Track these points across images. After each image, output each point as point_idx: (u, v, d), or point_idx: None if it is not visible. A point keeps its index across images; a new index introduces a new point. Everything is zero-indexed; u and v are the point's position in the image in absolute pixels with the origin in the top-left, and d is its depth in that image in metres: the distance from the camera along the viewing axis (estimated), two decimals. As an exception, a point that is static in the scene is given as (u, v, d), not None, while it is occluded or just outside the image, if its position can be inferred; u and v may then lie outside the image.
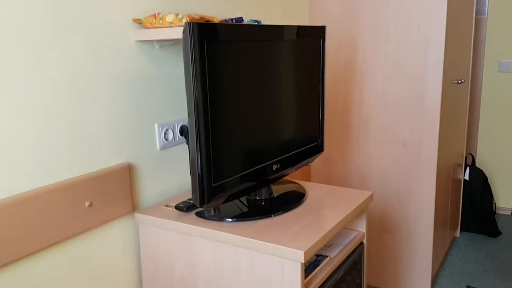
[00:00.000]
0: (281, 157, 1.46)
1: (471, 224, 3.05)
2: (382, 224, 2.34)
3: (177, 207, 1.39)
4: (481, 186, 3.00)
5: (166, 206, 1.44)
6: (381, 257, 2.37)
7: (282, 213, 1.37)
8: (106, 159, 1.32)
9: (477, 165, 3.34)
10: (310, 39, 1.54)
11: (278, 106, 1.42)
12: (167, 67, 1.49)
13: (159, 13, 1.34)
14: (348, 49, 2.27)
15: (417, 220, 2.24)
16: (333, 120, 2.37)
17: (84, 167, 1.25)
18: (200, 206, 1.17)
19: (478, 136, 3.33)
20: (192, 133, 1.13)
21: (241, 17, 1.47)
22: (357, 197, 1.50)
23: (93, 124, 1.27)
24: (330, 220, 1.31)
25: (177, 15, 1.29)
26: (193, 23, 1.07)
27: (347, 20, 2.24)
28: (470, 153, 3.16)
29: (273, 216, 1.34)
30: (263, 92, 1.34)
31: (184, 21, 1.27)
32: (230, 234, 1.23)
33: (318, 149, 1.66)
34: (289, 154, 1.50)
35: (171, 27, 1.30)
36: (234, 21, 1.43)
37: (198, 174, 1.16)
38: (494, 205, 3.16)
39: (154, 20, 1.32)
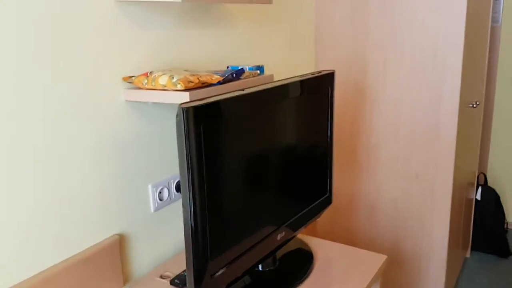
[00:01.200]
0: (288, 222, 1.33)
1: (481, 243, 2.94)
2: (392, 258, 2.22)
3: (172, 283, 1.26)
4: (493, 205, 2.87)
5: (161, 277, 1.32)
6: (390, 291, 2.26)
7: (288, 289, 1.24)
8: (95, 235, 1.19)
9: (489, 184, 3.21)
10: (317, 90, 1.39)
11: (283, 168, 1.28)
12: (159, 122, 1.35)
13: (151, 73, 1.19)
14: (357, 72, 2.12)
15: (429, 254, 2.12)
16: (340, 148, 2.24)
17: (69, 249, 1.13)
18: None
19: (490, 154, 3.19)
20: (187, 220, 1.00)
21: (242, 69, 1.32)
22: (372, 262, 1.37)
23: (79, 197, 1.14)
24: (341, 303, 1.19)
25: (171, 77, 1.14)
26: (187, 108, 0.92)
27: (356, 41, 2.08)
28: (482, 173, 3.02)
29: (278, 295, 1.22)
30: (265, 157, 1.21)
31: (178, 86, 1.12)
32: (231, 326, 1.11)
33: (327, 202, 1.53)
34: (296, 216, 1.37)
35: (165, 90, 1.16)
36: (234, 75, 1.28)
37: (193, 265, 1.03)
38: (506, 224, 3.04)
39: (146, 80, 1.18)
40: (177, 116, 0.94)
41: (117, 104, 1.21)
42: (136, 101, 1.25)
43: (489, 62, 2.98)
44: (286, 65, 1.96)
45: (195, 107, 0.94)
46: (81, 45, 1.09)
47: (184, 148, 0.94)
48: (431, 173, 2.03)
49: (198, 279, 1.03)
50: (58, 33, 1.04)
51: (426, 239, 2.11)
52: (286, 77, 1.92)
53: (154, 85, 1.17)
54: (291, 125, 1.30)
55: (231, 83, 1.26)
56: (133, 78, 1.20)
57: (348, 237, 2.32)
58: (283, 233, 1.32)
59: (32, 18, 0.99)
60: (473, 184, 2.79)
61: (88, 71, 1.12)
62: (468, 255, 2.95)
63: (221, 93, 1.19)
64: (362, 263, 1.37)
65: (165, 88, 1.15)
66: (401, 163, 2.09)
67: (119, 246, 1.24)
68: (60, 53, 1.05)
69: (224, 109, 1.03)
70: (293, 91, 1.27)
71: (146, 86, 1.18)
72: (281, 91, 1.23)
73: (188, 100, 1.12)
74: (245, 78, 1.34)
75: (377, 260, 1.39)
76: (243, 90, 1.12)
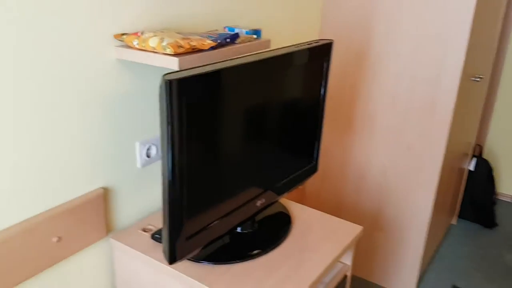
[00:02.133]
0: (270, 188, 1.36)
1: (469, 212, 2.99)
2: (374, 222, 2.28)
3: (153, 237, 1.32)
4: (485, 177, 2.90)
5: (144, 230, 1.37)
6: (371, 253, 2.34)
7: (265, 253, 1.30)
8: (80, 187, 1.23)
9: (484, 156, 3.22)
10: (313, 61, 1.38)
11: (270, 135, 1.30)
12: (151, 82, 1.35)
13: (142, 33, 1.18)
14: (360, 39, 2.08)
15: (411, 219, 2.17)
16: (336, 113, 2.24)
17: (54, 199, 1.17)
18: (170, 264, 1.10)
19: (490, 127, 3.18)
20: (165, 176, 1.03)
21: (237, 33, 1.31)
22: (348, 232, 1.42)
23: (65, 150, 1.17)
24: (315, 267, 1.24)
25: (161, 40, 1.14)
26: (171, 80, 0.93)
27: (362, 9, 2.03)
28: (478, 144, 3.03)
29: (254, 259, 1.28)
30: (251, 122, 1.22)
31: (168, 50, 1.12)
32: (203, 285, 1.17)
33: (312, 170, 1.56)
34: (280, 183, 1.40)
35: (154, 52, 1.16)
36: (228, 39, 1.27)
37: (169, 226, 1.07)
38: (495, 195, 3.08)
39: (136, 41, 1.17)
40: (160, 87, 0.95)
41: (107, 60, 1.21)
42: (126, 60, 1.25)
43: (501, 35, 2.91)
44: (287, 29, 1.93)
45: (179, 80, 0.95)
46: None
47: (166, 120, 0.96)
48: (422, 145, 2.04)
49: (173, 236, 1.08)
50: (48, -11, 1.03)
51: (409, 206, 2.15)
52: (284, 45, 1.90)
53: (144, 46, 1.16)
54: (282, 92, 1.30)
55: (224, 48, 1.25)
56: (124, 36, 1.20)
57: (335, 202, 2.38)
58: (263, 200, 1.36)
59: (21, -28, 0.97)
60: (467, 154, 2.81)
61: (79, 24, 1.12)
62: (454, 222, 3.01)
63: (212, 61, 1.18)
64: (338, 231, 1.42)
65: (155, 50, 1.15)
66: (394, 134, 2.10)
67: (103, 199, 1.28)
68: (50, 4, 1.04)
69: (210, 82, 1.04)
70: (286, 61, 1.27)
71: (136, 47, 1.18)
72: (273, 62, 1.22)
73: (177, 66, 1.12)
74: (240, 43, 1.33)
75: (353, 230, 1.44)
76: (232, 59, 1.12)
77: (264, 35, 1.79)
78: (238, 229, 1.38)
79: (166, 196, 1.03)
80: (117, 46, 1.21)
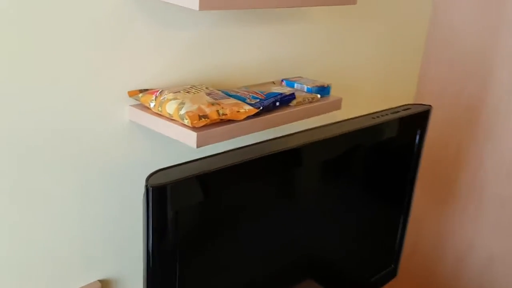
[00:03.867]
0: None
1: None
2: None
3: None
4: None
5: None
6: None
7: None
8: (73, 279, 0.96)
9: None
10: (397, 137, 1.00)
11: (329, 237, 0.94)
12: (171, 154, 1.05)
13: (161, 92, 0.89)
14: (471, 89, 1.63)
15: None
16: (435, 175, 1.79)
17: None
18: None
19: None
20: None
21: (293, 94, 0.97)
22: None
23: (58, 238, 0.91)
24: None
25: (180, 105, 0.84)
26: (153, 188, 0.62)
27: (479, 46, 1.58)
28: None
29: None
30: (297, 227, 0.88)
31: (186, 121, 0.82)
32: None
33: (390, 275, 1.16)
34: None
35: (171, 120, 0.86)
36: (278, 102, 0.94)
37: None
38: None
39: (153, 102, 0.89)
40: (143, 194, 0.64)
41: (118, 124, 0.93)
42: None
43: None
44: (370, 84, 1.53)
45: (167, 187, 0.63)
46: (82, 42, 0.82)
47: (148, 242, 0.65)
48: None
49: None
50: (52, 29, 0.78)
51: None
52: (361, 107, 1.51)
53: (161, 111, 0.87)
54: (345, 182, 0.94)
55: (270, 115, 0.93)
56: (140, 95, 0.91)
57: (425, 285, 1.92)
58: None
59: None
60: None
61: (86, 76, 0.85)
62: None
63: (249, 132, 0.86)
64: None
65: (172, 118, 0.86)
66: (510, 211, 1.62)
67: (104, 293, 1.01)
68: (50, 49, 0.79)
69: (216, 187, 0.71)
70: (359, 138, 0.91)
71: (153, 109, 0.89)
72: (334, 143, 0.87)
73: (194, 143, 0.81)
74: (297, 104, 0.99)
75: None
76: (270, 143, 0.79)
77: (336, 90, 1.38)
78: None
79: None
80: (131, 106, 0.93)
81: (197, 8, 0.75)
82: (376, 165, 0.99)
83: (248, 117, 0.88)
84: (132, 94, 0.92)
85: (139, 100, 0.92)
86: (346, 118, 1.06)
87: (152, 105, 0.89)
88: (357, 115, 1.04)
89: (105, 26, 0.85)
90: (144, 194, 0.62)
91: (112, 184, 0.96)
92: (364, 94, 1.51)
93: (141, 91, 0.93)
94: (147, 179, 0.63)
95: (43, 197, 0.87)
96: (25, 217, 0.86)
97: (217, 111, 0.85)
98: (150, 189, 0.61)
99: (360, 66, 1.44)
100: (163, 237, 0.65)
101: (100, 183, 0.94)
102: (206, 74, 1.04)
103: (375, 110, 1.44)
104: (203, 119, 0.82)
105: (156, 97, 0.89)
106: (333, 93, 1.32)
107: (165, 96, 0.88)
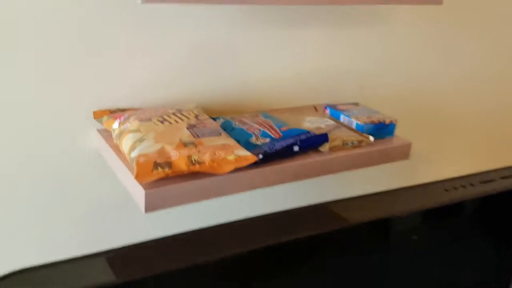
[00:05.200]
0: None
1: None
2: None
3: None
4: None
5: None
6: None
7: None
8: None
9: None
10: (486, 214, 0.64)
11: None
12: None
13: (127, 118, 0.63)
14: None
15: None
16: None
17: None
18: None
19: None
20: None
21: (324, 135, 0.66)
22: None
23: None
24: None
25: (136, 143, 0.57)
26: None
27: None
28: None
29: None
30: None
31: (133, 164, 0.55)
32: None
33: None
34: None
35: (126, 161, 0.60)
36: (296, 147, 0.63)
37: None
38: None
39: (116, 130, 0.63)
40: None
41: (85, 151, 0.69)
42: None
43: None
44: (474, 114, 1.12)
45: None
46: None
47: None
48: None
49: None
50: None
51: None
52: (435, 163, 1.10)
53: (119, 143, 0.61)
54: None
55: (279, 165, 0.62)
56: (104, 118, 0.66)
57: None
58: None
59: None
60: None
61: (45, 87, 0.63)
62: None
63: (227, 191, 0.58)
64: None
65: (126, 157, 0.59)
66: None
67: None
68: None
69: None
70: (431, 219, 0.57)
71: (114, 139, 0.63)
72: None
73: (142, 204, 0.54)
74: (332, 149, 0.67)
75: None
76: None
77: (403, 130, 0.83)
78: None
79: None
80: (98, 130, 0.68)
81: (139, 2, 0.47)
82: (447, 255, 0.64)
83: (239, 169, 0.58)
84: (97, 115, 0.67)
85: (102, 124, 0.66)
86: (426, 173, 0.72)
87: (114, 134, 0.63)
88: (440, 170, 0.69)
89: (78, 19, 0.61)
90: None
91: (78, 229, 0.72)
92: (459, 133, 1.10)
93: (111, 111, 0.68)
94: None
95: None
96: None
97: (189, 157, 0.56)
98: None
99: (457, 88, 1.05)
100: None
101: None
102: (212, 90, 0.76)
103: (476, 166, 1.05)
104: (159, 170, 0.54)
105: (120, 123, 0.63)
106: (405, 130, 0.86)
107: (128, 124, 0.62)
